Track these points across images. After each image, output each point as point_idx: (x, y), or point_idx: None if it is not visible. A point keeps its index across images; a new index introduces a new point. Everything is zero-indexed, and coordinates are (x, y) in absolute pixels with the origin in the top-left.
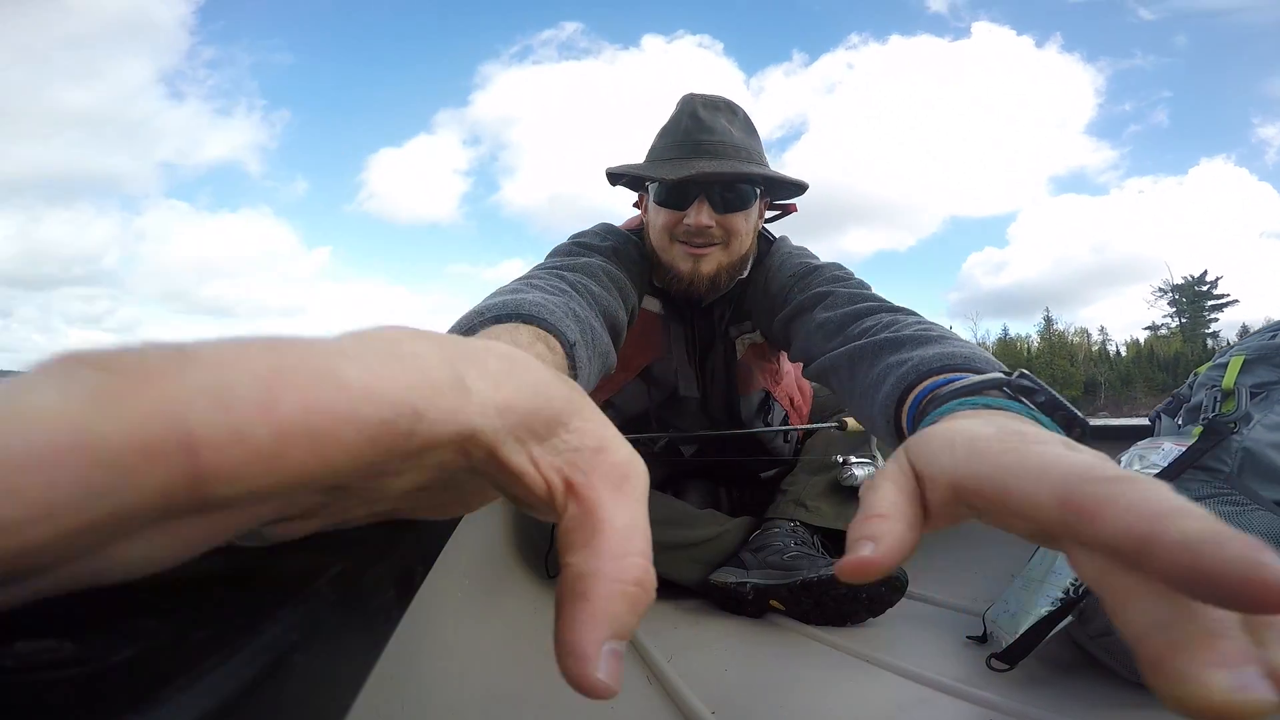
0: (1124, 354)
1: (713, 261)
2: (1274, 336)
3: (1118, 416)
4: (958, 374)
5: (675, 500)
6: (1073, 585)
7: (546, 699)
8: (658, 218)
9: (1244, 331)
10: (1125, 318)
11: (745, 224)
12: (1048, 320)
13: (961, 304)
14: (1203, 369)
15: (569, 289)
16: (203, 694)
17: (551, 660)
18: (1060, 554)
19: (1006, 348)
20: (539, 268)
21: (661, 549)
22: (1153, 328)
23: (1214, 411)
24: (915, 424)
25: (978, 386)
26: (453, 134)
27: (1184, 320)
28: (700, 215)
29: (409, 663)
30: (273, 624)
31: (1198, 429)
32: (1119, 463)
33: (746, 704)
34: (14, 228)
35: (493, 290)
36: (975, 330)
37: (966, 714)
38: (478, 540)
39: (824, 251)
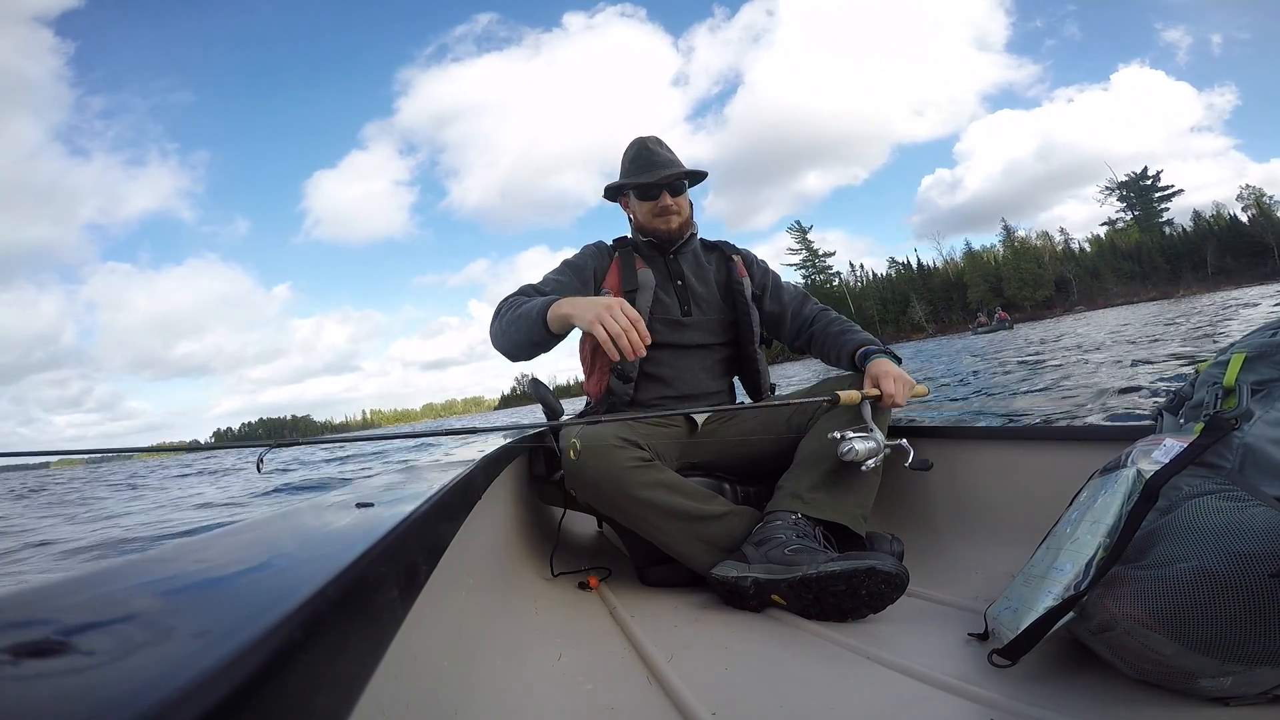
0: (1088, 250)
1: (676, 221)
2: (1275, 334)
3: (1092, 308)
4: (873, 345)
5: (686, 480)
6: (1074, 581)
7: (549, 698)
8: (641, 207)
9: (1196, 218)
10: (1081, 216)
11: (685, 200)
12: (1007, 230)
13: (923, 225)
14: (1204, 366)
15: (550, 292)
16: (204, 693)
17: (553, 659)
18: (1063, 551)
19: (973, 260)
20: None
21: (672, 516)
22: (1110, 223)
23: (1215, 408)
24: (864, 361)
25: (879, 350)
26: (386, 146)
27: (1137, 213)
28: (665, 200)
29: (413, 661)
30: (275, 622)
31: (1199, 426)
32: (1125, 458)
33: (747, 703)
34: None
35: (516, 292)
36: (940, 248)
37: (968, 710)
38: (482, 540)
39: (784, 197)
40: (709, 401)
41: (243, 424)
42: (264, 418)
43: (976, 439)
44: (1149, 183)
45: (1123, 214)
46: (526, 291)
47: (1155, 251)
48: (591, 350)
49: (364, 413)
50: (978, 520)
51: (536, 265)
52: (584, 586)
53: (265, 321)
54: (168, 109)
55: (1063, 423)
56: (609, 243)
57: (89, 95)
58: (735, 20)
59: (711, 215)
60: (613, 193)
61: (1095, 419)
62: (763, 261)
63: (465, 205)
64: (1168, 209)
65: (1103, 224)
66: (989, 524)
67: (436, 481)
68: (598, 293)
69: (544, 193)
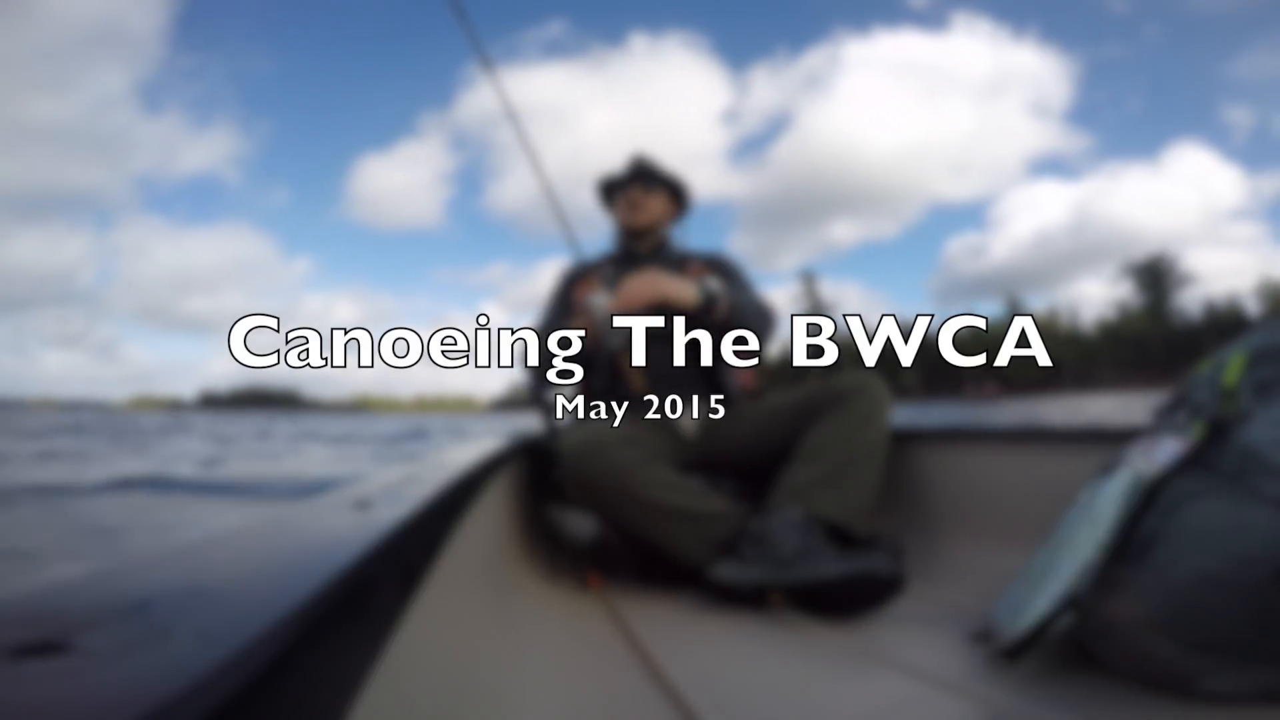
0: (1093, 333)
1: (642, 217)
2: (1275, 334)
3: (1081, 394)
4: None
5: (685, 479)
6: (1075, 582)
7: (549, 698)
8: (620, 203)
9: (1210, 308)
10: (1102, 294)
11: (654, 199)
12: (1011, 305)
13: (942, 289)
14: (1204, 366)
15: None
16: (204, 693)
17: (553, 659)
18: (1063, 551)
19: (975, 333)
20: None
21: (671, 516)
22: (1120, 305)
23: (1215, 408)
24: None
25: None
26: (438, 137)
27: (1148, 298)
28: (633, 191)
29: (412, 662)
30: (274, 623)
31: (1199, 426)
32: (1125, 459)
33: (747, 702)
34: None
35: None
36: (944, 314)
37: (969, 711)
38: (481, 540)
39: (810, 243)
40: (696, 388)
41: (231, 388)
42: (254, 385)
43: (976, 440)
44: (1165, 268)
45: (1133, 297)
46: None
47: (1157, 340)
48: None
49: (353, 395)
50: (978, 520)
51: (555, 275)
52: (583, 586)
53: (280, 290)
54: (247, 75)
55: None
56: (573, 271)
57: (181, 54)
58: (798, 63)
59: (735, 252)
60: (604, 196)
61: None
62: (727, 259)
63: (500, 206)
64: (1180, 296)
65: (1111, 305)
66: (989, 524)
67: (435, 482)
68: (573, 298)
69: (576, 207)
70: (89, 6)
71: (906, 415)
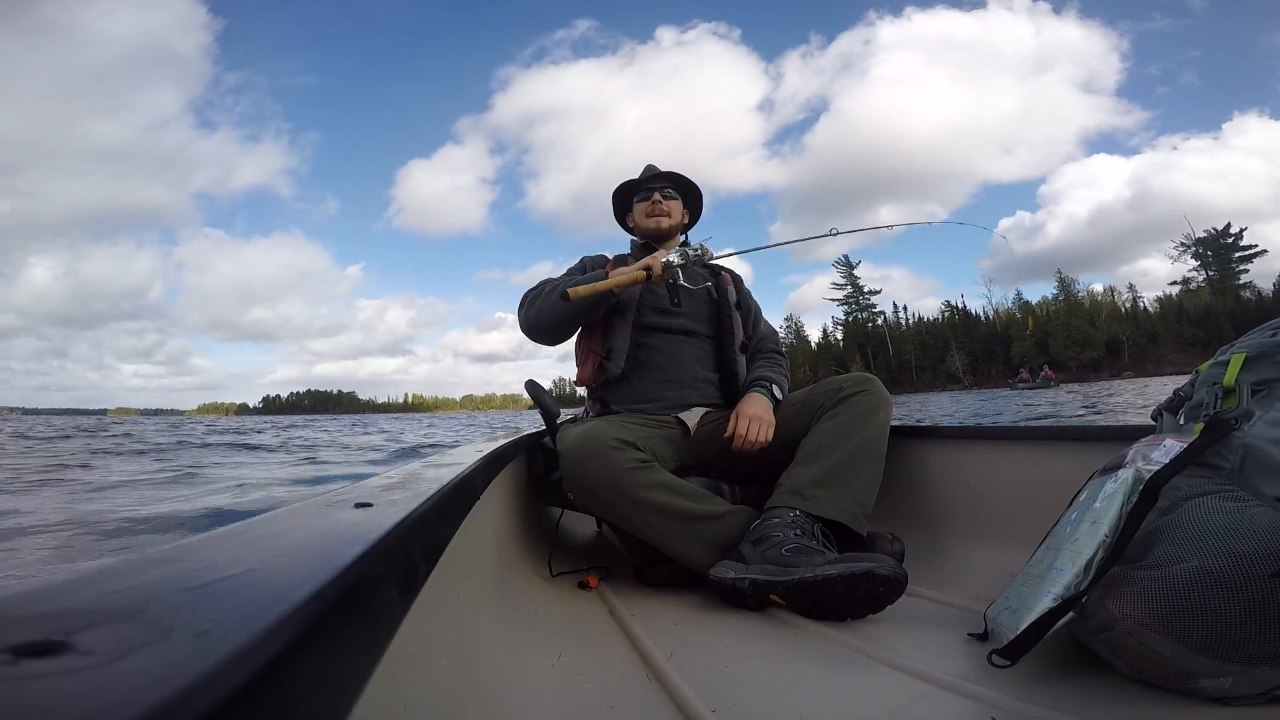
0: (1155, 310)
1: (665, 222)
2: (1275, 334)
3: (1142, 375)
4: (762, 382)
5: (683, 481)
6: (1074, 582)
7: (549, 697)
8: (640, 207)
9: None
10: (1165, 271)
11: (676, 205)
12: (1062, 282)
13: (995, 271)
14: (1204, 366)
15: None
16: (203, 693)
17: (553, 659)
18: (1062, 551)
19: (1027, 313)
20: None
21: (670, 517)
22: (1184, 282)
23: (1215, 408)
24: (746, 392)
25: (752, 384)
26: (477, 142)
27: (1211, 274)
28: (657, 198)
29: (412, 662)
30: (274, 622)
31: (1199, 426)
32: (1125, 458)
33: (747, 702)
34: (62, 267)
35: (543, 280)
36: (990, 297)
37: (968, 710)
38: (481, 540)
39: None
40: (700, 389)
41: (291, 393)
42: (312, 389)
43: (976, 439)
44: (1229, 241)
45: (1197, 273)
46: (544, 286)
47: (1224, 317)
48: (585, 339)
49: (407, 396)
50: (978, 520)
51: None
52: (583, 586)
53: (335, 298)
54: (291, 90)
55: (1063, 423)
56: (591, 264)
57: (227, 71)
58: (830, 49)
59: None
60: (620, 205)
61: (1096, 420)
62: (749, 290)
63: (540, 207)
64: (1247, 270)
65: (1173, 283)
66: (989, 524)
67: (435, 481)
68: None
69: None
70: (129, 27)
71: (955, 406)
